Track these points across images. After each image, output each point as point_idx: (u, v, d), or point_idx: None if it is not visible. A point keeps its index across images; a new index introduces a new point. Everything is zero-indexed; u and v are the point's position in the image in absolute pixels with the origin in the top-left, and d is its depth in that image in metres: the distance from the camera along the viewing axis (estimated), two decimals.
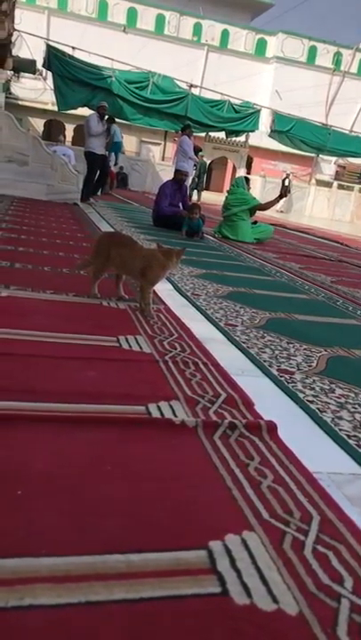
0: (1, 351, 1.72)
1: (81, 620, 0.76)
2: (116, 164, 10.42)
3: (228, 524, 1.03)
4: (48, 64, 14.66)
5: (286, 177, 20.23)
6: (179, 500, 1.09)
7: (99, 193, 10.02)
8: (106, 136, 8.49)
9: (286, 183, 18.90)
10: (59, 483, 1.08)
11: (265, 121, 18.44)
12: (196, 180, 15.65)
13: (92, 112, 9.03)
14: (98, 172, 8.86)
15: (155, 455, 1.25)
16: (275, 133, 18.82)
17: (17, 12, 13.51)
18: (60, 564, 0.86)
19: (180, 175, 7.15)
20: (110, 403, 1.48)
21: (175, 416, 1.45)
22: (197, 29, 23.30)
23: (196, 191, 15.58)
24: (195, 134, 11.89)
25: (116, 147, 9.70)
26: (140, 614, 0.79)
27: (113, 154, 9.80)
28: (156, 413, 1.46)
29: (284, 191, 7.79)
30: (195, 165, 10.82)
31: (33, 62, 16.34)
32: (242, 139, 19.57)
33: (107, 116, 8.65)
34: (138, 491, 1.10)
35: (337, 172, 23.86)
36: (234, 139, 19.34)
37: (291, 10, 24.14)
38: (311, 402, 1.73)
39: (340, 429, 1.56)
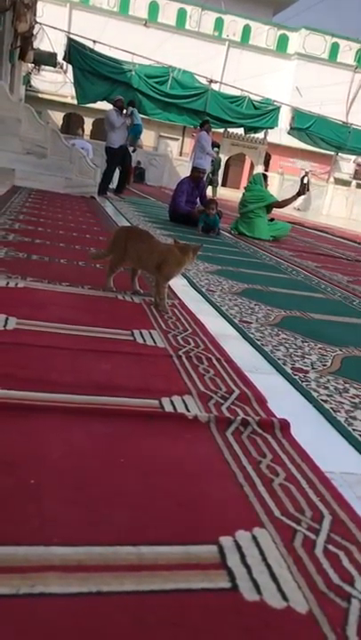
0: (17, 341, 1.73)
1: (91, 610, 0.77)
2: (135, 151, 10.11)
3: (239, 520, 1.03)
4: (69, 57, 14.74)
5: (305, 175, 20.07)
6: (190, 495, 1.09)
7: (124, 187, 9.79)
8: (127, 127, 8.46)
9: (305, 181, 18.77)
10: (71, 473, 1.09)
11: (284, 118, 18.31)
12: (210, 176, 15.59)
13: (110, 107, 9.06)
14: (119, 168, 8.82)
15: (167, 449, 1.25)
16: (294, 130, 18.71)
17: (39, 5, 13.58)
18: (72, 553, 0.87)
19: (197, 173, 7.10)
20: (124, 395, 1.48)
21: (188, 411, 1.46)
22: (219, 24, 23.15)
23: (211, 187, 15.53)
24: (213, 130, 11.86)
25: (135, 129, 9.30)
26: (150, 606, 0.79)
27: (132, 138, 9.42)
28: (169, 408, 1.46)
29: (303, 189, 7.72)
30: (212, 161, 10.78)
31: (53, 55, 16.43)
32: (260, 135, 19.48)
33: (128, 103, 8.66)
34: (149, 484, 1.10)
35: (356, 170, 23.61)
36: (252, 135, 19.26)
37: (313, 6, 23.86)
38: (325, 401, 1.72)
39: (354, 429, 1.55)
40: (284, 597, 0.86)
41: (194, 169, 7.28)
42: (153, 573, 0.86)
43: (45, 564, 0.84)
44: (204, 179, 7.31)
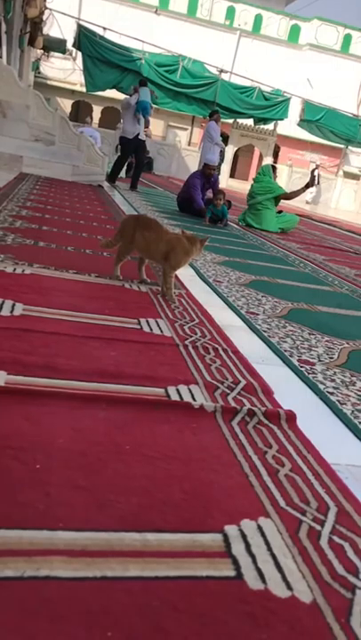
0: (24, 327, 1.73)
1: (96, 594, 0.77)
2: (147, 124, 8.79)
3: (244, 510, 1.03)
4: (78, 44, 14.64)
5: (316, 168, 19.95)
6: (195, 483, 1.08)
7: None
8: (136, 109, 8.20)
9: (315, 174, 18.64)
10: (77, 458, 1.09)
11: (295, 109, 18.15)
12: None
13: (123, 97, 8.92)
14: (132, 158, 8.59)
15: (173, 437, 1.25)
16: (304, 122, 18.57)
17: None
18: (77, 538, 0.87)
19: (208, 170, 6.93)
20: (130, 383, 1.48)
21: (194, 400, 1.45)
22: (230, 13, 22.86)
23: None
24: (222, 120, 11.78)
25: (140, 104, 8.22)
26: (155, 592, 0.79)
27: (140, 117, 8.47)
28: (175, 396, 1.46)
29: (312, 181, 7.67)
30: (221, 151, 10.71)
31: (63, 42, 16.30)
32: (270, 127, 19.32)
33: (139, 82, 8.43)
34: (155, 471, 1.10)
35: None
36: (262, 126, 19.11)
37: None
38: (331, 393, 1.71)
39: (360, 422, 1.54)
40: (289, 587, 0.86)
41: (205, 165, 7.09)
42: (158, 560, 0.86)
43: (50, 547, 0.84)
44: (216, 173, 7.14)
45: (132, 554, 0.86)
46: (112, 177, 8.61)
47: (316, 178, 18.73)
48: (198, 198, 6.69)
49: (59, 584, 0.78)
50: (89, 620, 0.73)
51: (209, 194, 7.03)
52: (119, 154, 9.04)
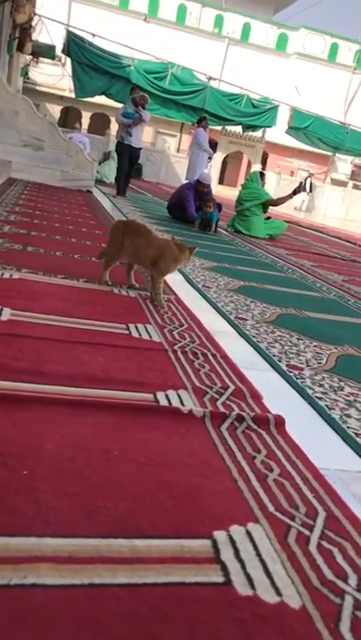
0: (11, 332, 1.72)
1: (84, 602, 0.76)
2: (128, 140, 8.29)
3: (233, 515, 1.02)
4: (67, 50, 14.60)
5: (309, 176, 20.10)
6: (184, 489, 1.08)
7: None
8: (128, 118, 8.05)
9: (308, 182, 18.72)
10: (65, 464, 1.08)
11: (283, 117, 18.28)
12: None
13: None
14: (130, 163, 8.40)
15: (162, 443, 1.24)
16: (292, 130, 18.68)
17: None
18: (65, 544, 0.86)
19: (201, 187, 6.80)
20: (119, 389, 1.47)
21: (183, 405, 1.45)
22: (219, 21, 23.04)
23: None
24: (211, 127, 11.82)
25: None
26: (144, 599, 0.79)
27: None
28: (163, 402, 1.46)
29: (299, 187, 7.70)
30: (209, 158, 10.74)
31: (52, 48, 16.29)
32: (258, 134, 19.43)
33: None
34: (144, 477, 1.09)
35: (353, 171, 23.66)
36: (250, 133, 19.21)
37: (314, 5, 23.77)
38: (320, 398, 1.72)
39: (348, 427, 1.55)
40: (278, 592, 0.85)
41: (198, 182, 7.00)
42: (146, 566, 0.85)
43: (38, 554, 0.83)
44: (208, 190, 6.98)
45: (121, 560, 0.85)
46: (123, 189, 8.42)
47: (309, 186, 18.83)
48: (192, 210, 6.65)
49: (46, 592, 0.77)
50: (77, 628, 0.72)
51: None
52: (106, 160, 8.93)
